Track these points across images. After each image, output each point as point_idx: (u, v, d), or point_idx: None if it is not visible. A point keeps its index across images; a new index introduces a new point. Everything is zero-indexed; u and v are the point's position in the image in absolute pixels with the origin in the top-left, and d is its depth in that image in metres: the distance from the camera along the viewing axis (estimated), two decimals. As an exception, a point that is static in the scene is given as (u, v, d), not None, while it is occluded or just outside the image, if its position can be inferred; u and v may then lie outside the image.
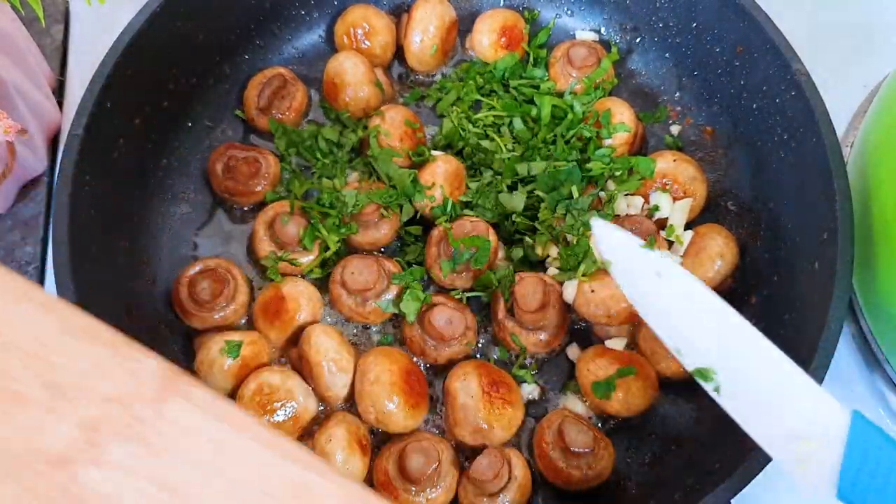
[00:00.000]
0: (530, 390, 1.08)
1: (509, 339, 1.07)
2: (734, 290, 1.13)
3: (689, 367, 0.83)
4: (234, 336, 1.05)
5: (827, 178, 0.99)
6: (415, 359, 1.08)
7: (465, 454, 1.04)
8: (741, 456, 0.89)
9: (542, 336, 1.06)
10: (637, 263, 0.87)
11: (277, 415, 1.00)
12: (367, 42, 1.25)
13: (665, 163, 1.15)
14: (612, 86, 1.25)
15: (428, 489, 0.97)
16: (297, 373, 1.05)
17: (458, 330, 1.06)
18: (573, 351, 1.10)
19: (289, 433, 1.00)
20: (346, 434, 0.99)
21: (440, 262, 1.09)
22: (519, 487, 0.98)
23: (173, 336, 1.10)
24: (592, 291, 1.06)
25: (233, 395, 1.04)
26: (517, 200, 1.13)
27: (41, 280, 1.16)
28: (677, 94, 1.25)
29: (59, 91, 1.28)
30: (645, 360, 1.06)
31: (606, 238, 0.88)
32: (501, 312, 1.08)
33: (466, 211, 1.14)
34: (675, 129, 1.24)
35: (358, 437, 1.00)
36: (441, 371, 1.09)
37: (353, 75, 1.20)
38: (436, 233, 1.12)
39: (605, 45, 1.28)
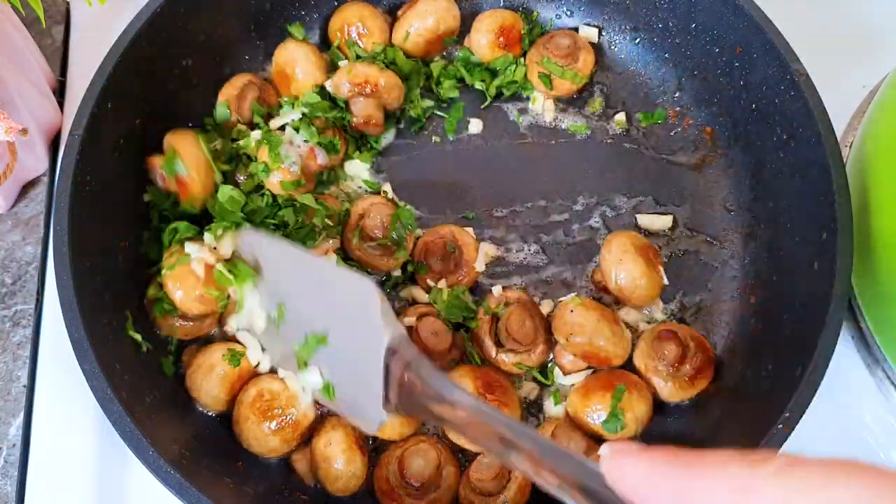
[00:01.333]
0: (529, 390, 1.08)
1: (512, 368, 1.06)
2: (733, 290, 1.13)
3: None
4: (238, 346, 1.05)
5: (826, 178, 0.99)
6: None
7: (466, 456, 1.04)
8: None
9: (539, 348, 1.06)
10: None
11: (277, 421, 0.99)
12: (360, 42, 1.24)
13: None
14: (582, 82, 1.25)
15: (431, 492, 0.97)
16: None
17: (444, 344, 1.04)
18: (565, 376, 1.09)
19: (288, 440, 1.00)
20: (345, 436, 0.99)
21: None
22: (518, 487, 0.98)
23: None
24: (571, 312, 1.04)
25: (229, 402, 1.03)
26: None
27: (41, 280, 1.16)
28: (677, 94, 1.25)
29: (59, 91, 1.28)
30: (623, 373, 1.05)
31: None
32: (492, 350, 1.06)
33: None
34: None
35: (356, 437, 1.00)
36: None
37: (305, 65, 1.20)
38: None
39: (606, 46, 1.29)
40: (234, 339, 1.08)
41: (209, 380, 1.02)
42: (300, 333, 0.94)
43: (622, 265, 1.06)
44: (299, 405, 1.01)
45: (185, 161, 1.06)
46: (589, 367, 1.07)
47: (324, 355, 0.93)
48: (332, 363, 0.93)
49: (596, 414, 1.01)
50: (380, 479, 0.99)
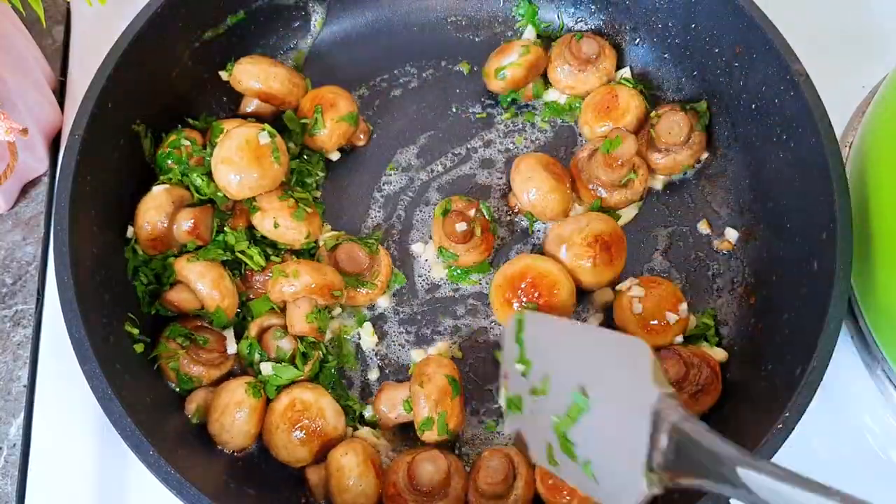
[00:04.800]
0: None
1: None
2: (733, 290, 1.13)
3: None
4: (249, 378, 1.03)
5: (826, 178, 0.99)
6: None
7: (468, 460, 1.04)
8: (740, 456, 0.89)
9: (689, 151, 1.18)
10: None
11: (305, 431, 0.99)
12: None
13: None
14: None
15: (437, 498, 0.97)
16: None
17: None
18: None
19: (314, 452, 1.00)
20: (363, 450, 0.99)
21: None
22: (525, 483, 0.98)
23: (173, 336, 1.09)
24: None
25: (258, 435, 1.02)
26: None
27: (42, 280, 1.16)
28: (677, 95, 1.25)
29: (59, 91, 1.28)
30: None
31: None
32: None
33: None
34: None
35: (372, 456, 1.00)
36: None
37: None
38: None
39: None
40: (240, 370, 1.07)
41: (239, 419, 0.99)
42: (561, 404, 0.87)
43: (531, 182, 1.13)
44: (328, 418, 1.01)
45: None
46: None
47: (581, 428, 0.86)
48: (588, 436, 0.86)
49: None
50: (387, 483, 0.99)
